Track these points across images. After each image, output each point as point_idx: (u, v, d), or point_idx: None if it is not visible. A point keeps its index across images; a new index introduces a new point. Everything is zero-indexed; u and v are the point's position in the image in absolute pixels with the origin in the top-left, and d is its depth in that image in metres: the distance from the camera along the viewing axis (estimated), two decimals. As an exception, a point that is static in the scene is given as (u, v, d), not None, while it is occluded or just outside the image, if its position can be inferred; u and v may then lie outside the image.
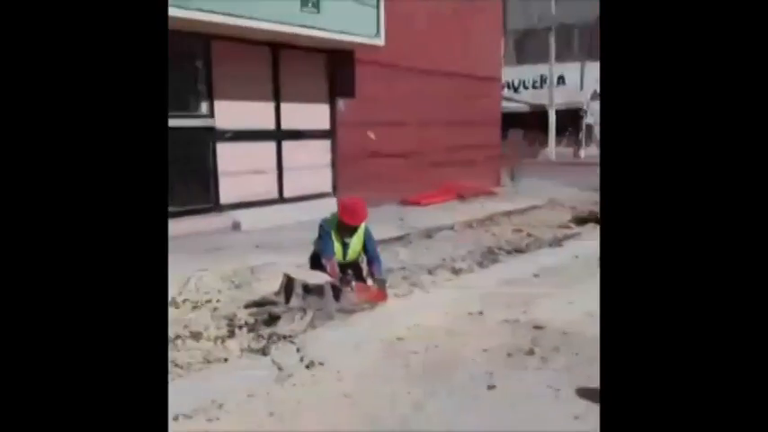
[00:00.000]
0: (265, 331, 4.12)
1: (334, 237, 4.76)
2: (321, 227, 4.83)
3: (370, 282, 4.94)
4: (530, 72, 26.12)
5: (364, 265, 5.06)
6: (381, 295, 4.74)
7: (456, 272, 5.83)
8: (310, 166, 9.21)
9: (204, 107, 7.78)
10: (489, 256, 6.52)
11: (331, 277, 4.55)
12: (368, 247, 4.89)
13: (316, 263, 4.89)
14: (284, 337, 3.95)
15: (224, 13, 6.73)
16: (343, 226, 4.74)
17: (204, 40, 7.56)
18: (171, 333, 4.01)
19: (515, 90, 26.43)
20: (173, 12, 6.18)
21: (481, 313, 4.54)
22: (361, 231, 4.84)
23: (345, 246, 4.83)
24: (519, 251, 6.93)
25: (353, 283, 4.63)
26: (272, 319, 4.26)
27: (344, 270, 4.87)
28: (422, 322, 4.33)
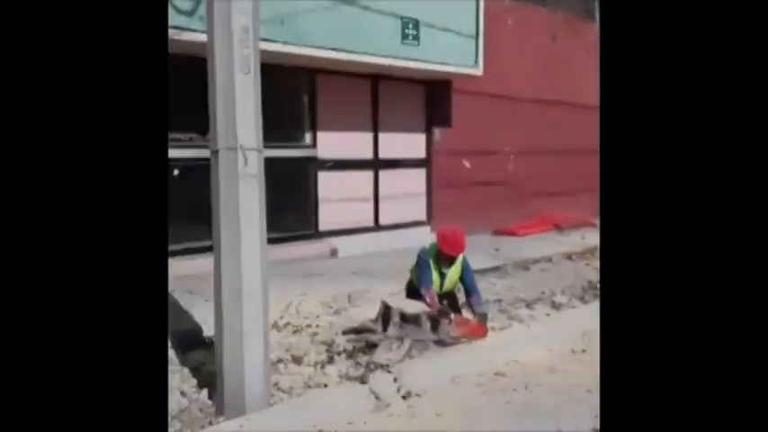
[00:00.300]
0: (363, 359, 4.15)
1: (432, 266, 4.75)
2: (420, 257, 4.83)
3: (468, 314, 4.86)
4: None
5: (460, 295, 4.99)
6: (482, 330, 4.64)
7: (556, 306, 5.64)
8: (406, 194, 9.30)
9: (308, 138, 8.08)
10: (591, 291, 6.24)
11: (430, 308, 4.52)
12: (466, 278, 4.83)
13: (411, 291, 4.89)
14: (382, 366, 3.97)
15: (330, 48, 6.99)
16: (441, 256, 4.71)
17: (310, 74, 7.87)
18: (273, 356, 4.13)
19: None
20: (282, 48, 6.49)
21: (585, 351, 4.34)
22: (458, 262, 4.79)
23: (443, 276, 4.79)
24: (623, 287, 6.56)
25: (453, 316, 4.57)
26: (370, 347, 4.29)
27: (440, 300, 4.83)
28: (522, 358, 4.20)
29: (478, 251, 8.19)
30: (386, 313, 4.45)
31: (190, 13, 6.22)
